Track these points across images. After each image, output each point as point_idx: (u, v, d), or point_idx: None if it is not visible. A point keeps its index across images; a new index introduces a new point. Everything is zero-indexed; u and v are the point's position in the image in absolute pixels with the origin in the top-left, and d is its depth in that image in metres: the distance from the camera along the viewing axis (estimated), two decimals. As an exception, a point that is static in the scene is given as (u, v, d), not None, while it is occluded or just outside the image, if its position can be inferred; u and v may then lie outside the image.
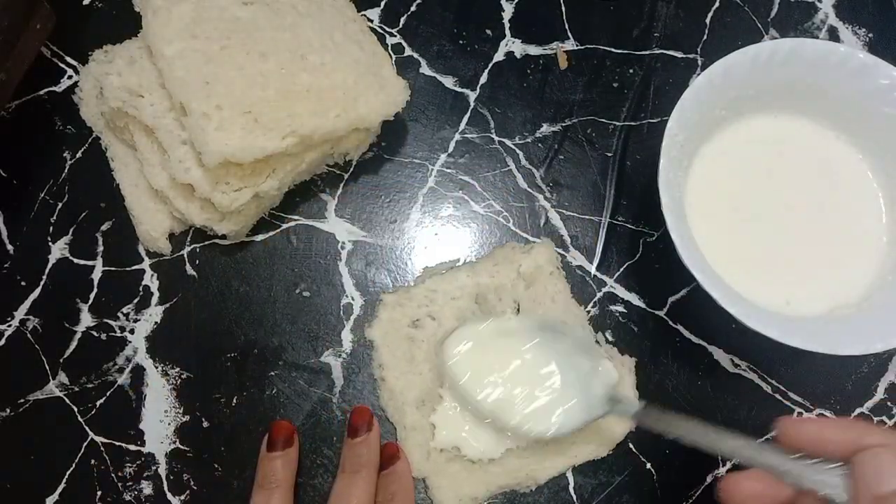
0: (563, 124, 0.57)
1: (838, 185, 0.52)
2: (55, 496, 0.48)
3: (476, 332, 0.48)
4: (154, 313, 0.52)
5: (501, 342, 0.48)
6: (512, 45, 0.59)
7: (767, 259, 0.50)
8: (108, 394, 0.50)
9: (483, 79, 0.58)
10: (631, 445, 0.50)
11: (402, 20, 0.59)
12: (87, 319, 0.51)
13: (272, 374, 0.51)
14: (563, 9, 0.60)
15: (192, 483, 0.49)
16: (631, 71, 0.59)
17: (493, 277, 0.51)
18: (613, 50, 0.59)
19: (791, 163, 0.52)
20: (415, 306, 0.51)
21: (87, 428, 0.49)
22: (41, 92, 0.56)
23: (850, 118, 0.51)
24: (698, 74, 0.50)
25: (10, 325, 0.51)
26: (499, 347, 0.48)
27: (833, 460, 0.35)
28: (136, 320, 0.51)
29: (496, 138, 0.57)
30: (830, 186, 0.52)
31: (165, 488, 0.49)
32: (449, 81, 0.58)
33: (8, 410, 0.50)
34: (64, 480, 0.48)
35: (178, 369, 0.51)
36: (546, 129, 0.57)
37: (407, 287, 0.52)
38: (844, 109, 0.51)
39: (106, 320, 0.51)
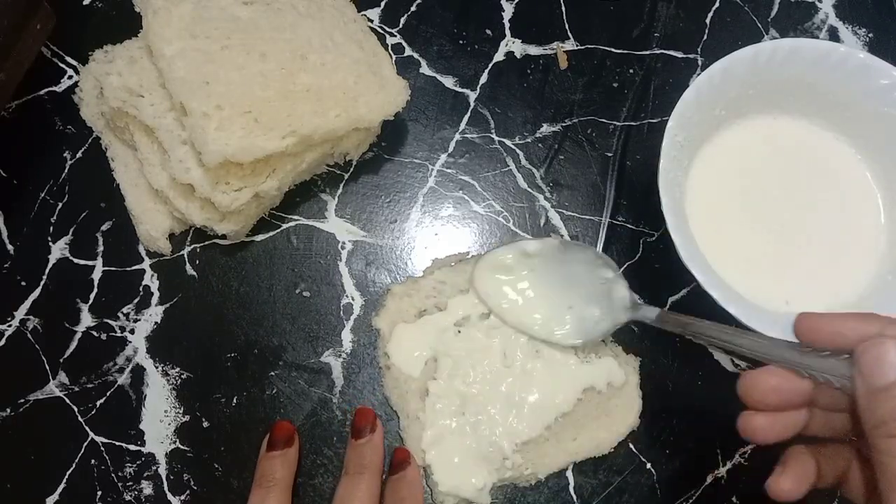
0: (563, 124, 0.57)
1: (837, 186, 0.52)
2: (55, 496, 0.48)
3: (501, 256, 0.51)
4: (154, 313, 0.52)
5: (524, 262, 0.50)
6: (512, 45, 0.59)
7: (767, 259, 0.50)
8: (108, 394, 0.50)
9: (483, 79, 0.58)
10: (631, 445, 0.50)
11: (402, 20, 0.59)
12: (87, 319, 0.51)
13: (272, 374, 0.51)
14: (563, 9, 0.60)
15: (192, 483, 0.49)
16: (631, 71, 0.59)
17: None
18: (613, 50, 0.59)
19: (790, 163, 0.52)
20: (422, 297, 0.51)
21: (87, 428, 0.49)
22: (41, 92, 0.56)
23: (849, 118, 0.51)
24: (698, 74, 0.50)
25: (10, 325, 0.51)
26: (522, 267, 0.50)
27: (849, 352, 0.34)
28: (136, 320, 0.51)
29: (496, 138, 0.57)
30: (829, 186, 0.52)
31: (165, 488, 0.49)
32: (449, 81, 0.58)
33: (8, 410, 0.50)
34: (64, 480, 0.48)
35: (178, 369, 0.51)
36: (546, 129, 0.57)
37: (415, 278, 0.52)
38: (844, 110, 0.51)
39: (106, 320, 0.51)
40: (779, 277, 0.50)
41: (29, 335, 0.51)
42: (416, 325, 0.50)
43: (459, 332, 0.50)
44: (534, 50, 0.59)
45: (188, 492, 0.49)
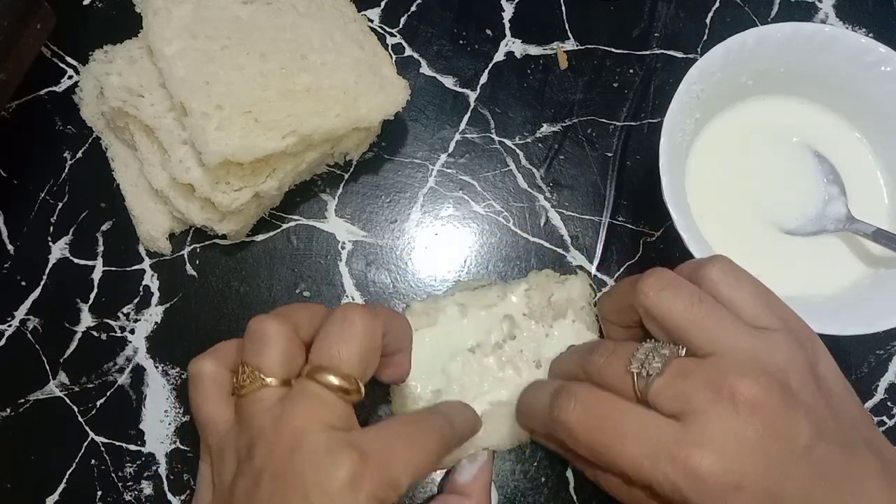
0: (563, 124, 0.57)
1: (849, 186, 0.51)
2: (55, 496, 0.48)
3: None
4: (154, 313, 0.52)
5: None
6: (512, 45, 0.59)
7: (753, 239, 0.50)
8: (108, 394, 0.50)
9: (483, 79, 0.58)
10: (631, 445, 0.50)
11: (402, 20, 0.59)
12: (87, 319, 0.51)
13: (272, 374, 0.51)
14: (563, 9, 0.60)
15: (192, 483, 0.49)
16: (631, 71, 0.59)
17: (524, 301, 0.50)
18: (613, 50, 0.59)
19: (807, 151, 0.52)
20: (440, 318, 0.50)
21: (87, 428, 0.49)
22: (41, 92, 0.56)
23: (876, 122, 0.51)
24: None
25: (10, 325, 0.51)
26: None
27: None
28: (136, 320, 0.51)
29: (496, 138, 0.57)
30: (838, 183, 0.51)
31: (165, 488, 0.49)
32: (449, 81, 0.58)
33: (8, 410, 0.49)
34: (64, 480, 0.48)
35: (178, 369, 0.51)
36: (546, 129, 0.57)
37: (435, 297, 0.51)
38: (875, 113, 0.51)
39: (106, 320, 0.51)
40: (760, 255, 0.49)
41: (29, 335, 0.51)
42: (430, 346, 0.49)
43: (473, 357, 0.49)
44: (534, 50, 0.59)
45: (188, 492, 0.48)
